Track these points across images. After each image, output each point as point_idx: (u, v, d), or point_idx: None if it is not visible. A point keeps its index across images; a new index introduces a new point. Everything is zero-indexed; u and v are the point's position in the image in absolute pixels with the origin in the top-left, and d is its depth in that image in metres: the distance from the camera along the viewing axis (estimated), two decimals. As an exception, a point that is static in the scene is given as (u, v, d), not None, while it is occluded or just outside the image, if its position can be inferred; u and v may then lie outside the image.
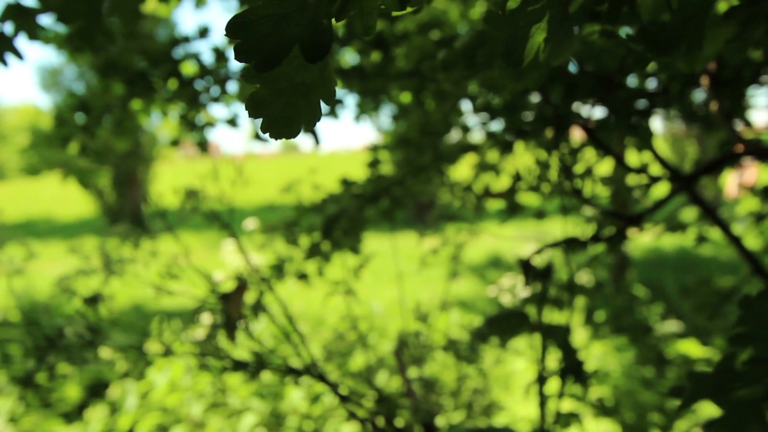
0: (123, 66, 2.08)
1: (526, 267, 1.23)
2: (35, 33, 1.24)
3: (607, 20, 0.53)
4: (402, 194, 2.00)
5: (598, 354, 3.88)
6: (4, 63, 1.22)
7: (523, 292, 1.32)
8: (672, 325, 3.66)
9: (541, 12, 0.46)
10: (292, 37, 0.38)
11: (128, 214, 16.33)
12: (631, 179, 1.77)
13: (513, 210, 1.51)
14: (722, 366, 0.67)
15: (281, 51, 0.39)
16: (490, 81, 0.51)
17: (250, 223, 2.50)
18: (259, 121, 0.45)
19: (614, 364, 3.67)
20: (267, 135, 0.43)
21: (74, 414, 4.18)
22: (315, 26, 0.38)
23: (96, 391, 4.45)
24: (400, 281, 2.61)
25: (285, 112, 0.42)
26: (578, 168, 1.55)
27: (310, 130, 0.44)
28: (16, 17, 1.22)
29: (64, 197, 22.32)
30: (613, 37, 0.69)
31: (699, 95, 1.62)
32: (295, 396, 4.05)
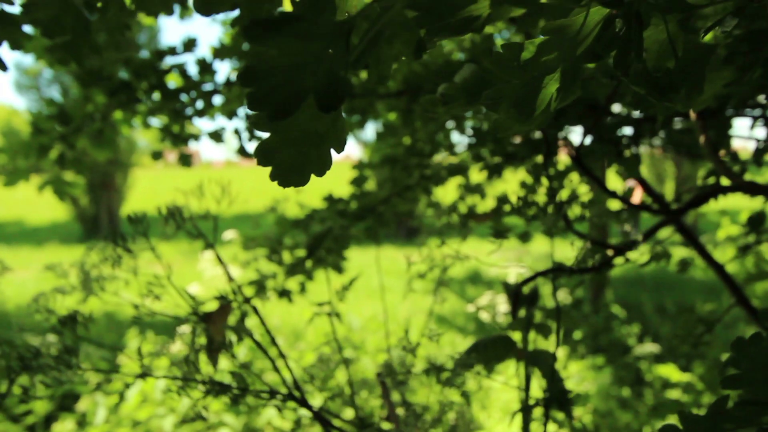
0: (105, 76, 2.04)
1: (514, 295, 1.22)
2: (19, 42, 1.21)
3: (616, 67, 0.53)
4: (387, 213, 1.99)
5: (575, 373, 3.90)
6: (-14, 75, 1.18)
7: (510, 318, 1.31)
8: (649, 347, 3.71)
9: (555, 63, 0.45)
10: (307, 88, 0.37)
11: (104, 221, 16.04)
12: (614, 205, 1.78)
13: (499, 234, 1.51)
14: (715, 408, 0.67)
15: (295, 101, 0.37)
16: (496, 123, 0.51)
17: (230, 235, 2.46)
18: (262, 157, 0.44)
19: (591, 383, 3.69)
20: (277, 183, 0.41)
21: (41, 427, 4.06)
22: (331, 77, 0.37)
23: (65, 403, 4.34)
24: (382, 297, 2.59)
25: (295, 161, 0.40)
26: (564, 193, 1.56)
27: (320, 176, 0.43)
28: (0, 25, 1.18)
29: (36, 200, 21.87)
30: (616, 79, 0.70)
31: (683, 123, 1.65)
32: (270, 411, 3.99)
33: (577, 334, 4.52)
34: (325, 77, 0.37)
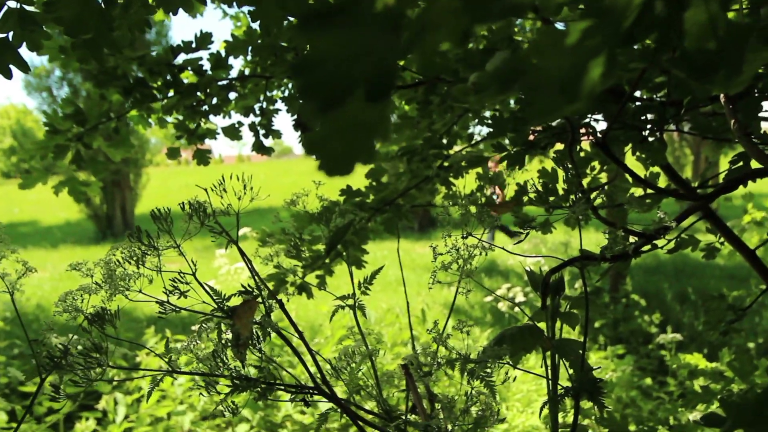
0: (120, 74, 2.05)
1: (544, 285, 1.21)
2: (39, 43, 1.21)
3: (658, 49, 0.52)
4: (406, 205, 1.98)
5: (595, 363, 3.89)
6: (9, 74, 1.18)
7: (539, 307, 1.30)
8: (672, 335, 3.67)
9: (600, 47, 0.44)
10: (357, 78, 0.37)
11: (118, 219, 16.14)
12: (638, 191, 1.76)
13: (523, 224, 1.50)
14: (763, 395, 0.66)
15: (346, 92, 0.37)
16: (537, 108, 0.50)
17: (244, 230, 2.46)
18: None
19: (612, 373, 3.67)
20: (323, 172, 0.41)
21: (62, 425, 4.10)
22: (381, 67, 0.37)
23: (84, 402, 4.38)
24: (405, 290, 2.58)
25: (344, 151, 0.40)
26: (585, 181, 1.54)
27: (366, 165, 0.42)
28: (20, 25, 1.18)
29: (49, 200, 22.08)
30: (655, 63, 0.69)
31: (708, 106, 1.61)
32: (288, 405, 4.00)
33: (597, 323, 4.49)
34: (374, 68, 0.37)
